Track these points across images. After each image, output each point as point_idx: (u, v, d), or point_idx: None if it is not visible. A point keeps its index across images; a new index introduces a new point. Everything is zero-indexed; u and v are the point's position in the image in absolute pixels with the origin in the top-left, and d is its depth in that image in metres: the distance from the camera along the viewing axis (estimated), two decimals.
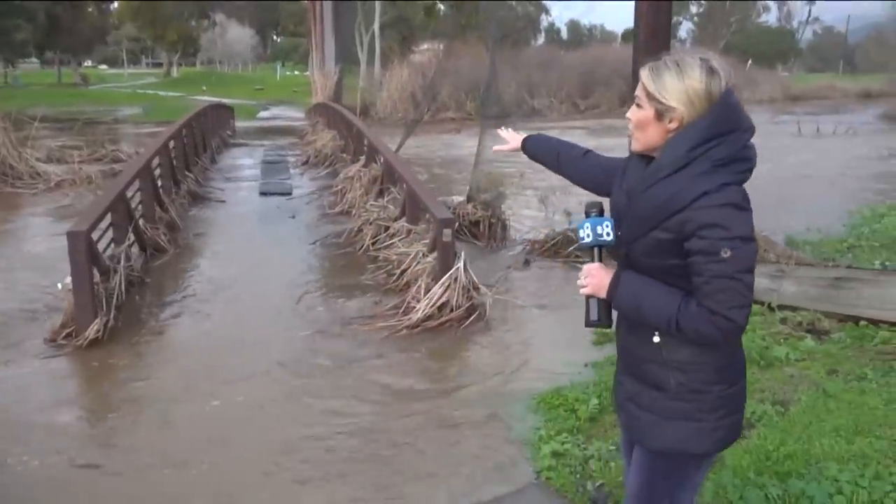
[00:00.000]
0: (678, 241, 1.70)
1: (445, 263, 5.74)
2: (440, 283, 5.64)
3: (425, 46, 38.97)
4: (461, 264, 5.70)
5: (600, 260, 1.89)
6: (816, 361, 4.67)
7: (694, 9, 64.06)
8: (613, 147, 8.99)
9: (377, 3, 38.52)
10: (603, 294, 1.85)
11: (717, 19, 59.43)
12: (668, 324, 1.74)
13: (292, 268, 7.20)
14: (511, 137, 2.36)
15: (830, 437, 3.56)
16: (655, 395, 1.87)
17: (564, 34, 69.67)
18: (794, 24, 68.00)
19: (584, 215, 1.91)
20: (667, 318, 1.74)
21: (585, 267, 1.89)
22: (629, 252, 1.83)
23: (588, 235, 1.88)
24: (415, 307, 5.62)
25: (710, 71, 1.72)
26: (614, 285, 1.83)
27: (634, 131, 1.82)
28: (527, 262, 7.42)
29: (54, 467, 3.67)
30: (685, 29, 63.66)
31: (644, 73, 1.79)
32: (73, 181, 11.79)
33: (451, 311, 5.56)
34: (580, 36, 68.90)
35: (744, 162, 1.73)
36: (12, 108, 13.86)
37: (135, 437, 3.98)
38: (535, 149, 2.30)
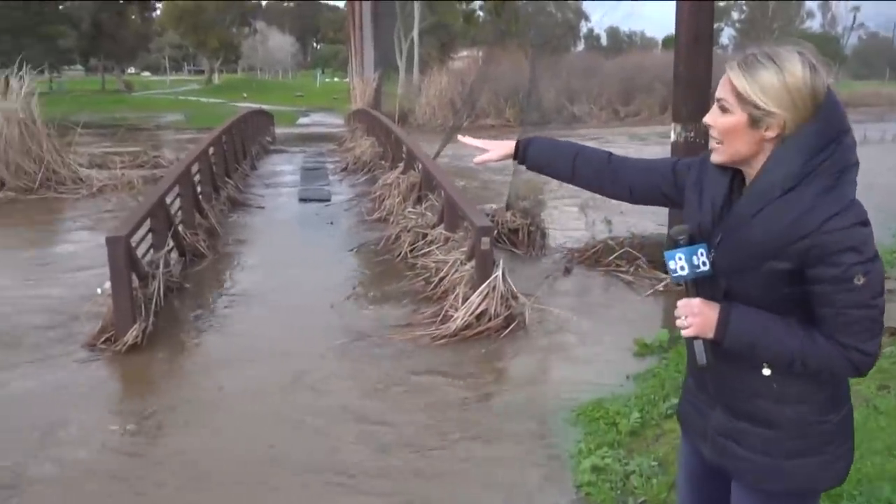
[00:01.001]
0: (798, 270, 1.48)
1: (484, 272, 5.70)
2: (478, 291, 5.61)
3: (464, 53, 39.07)
4: (500, 273, 5.66)
5: (697, 294, 1.61)
6: (867, 377, 4.51)
7: (736, 15, 63.22)
8: (657, 156, 8.85)
9: (416, 10, 38.76)
10: (710, 334, 1.58)
11: (759, 25, 58.49)
12: (790, 363, 1.54)
13: (330, 274, 7.23)
14: (491, 146, 1.94)
15: (882, 455, 3.42)
16: (769, 434, 1.64)
17: (604, 41, 69.32)
18: (839, 29, 66.66)
19: (669, 242, 1.64)
20: (789, 357, 1.53)
21: (684, 303, 1.61)
22: (731, 283, 1.58)
23: (683, 268, 1.60)
24: (453, 316, 5.59)
25: (812, 66, 1.48)
26: (724, 324, 1.56)
27: (719, 140, 1.56)
28: (567, 271, 7.35)
29: (82, 471, 3.72)
30: (727, 35, 62.82)
31: (733, 72, 1.51)
32: (115, 186, 12.04)
33: (490, 320, 5.52)
34: (620, 42, 68.44)
35: (856, 167, 1.51)
36: (57, 114, 14.22)
37: (169, 445, 4.01)
38: (539, 156, 1.89)
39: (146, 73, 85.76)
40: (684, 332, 1.61)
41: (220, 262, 7.75)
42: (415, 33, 39.25)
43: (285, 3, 77.80)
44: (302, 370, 4.95)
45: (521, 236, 8.11)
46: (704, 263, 1.59)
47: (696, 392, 1.80)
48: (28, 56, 13.18)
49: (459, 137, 2.10)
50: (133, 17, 62.94)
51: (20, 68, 12.27)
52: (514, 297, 5.72)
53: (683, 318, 1.60)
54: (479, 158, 1.97)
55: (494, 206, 8.97)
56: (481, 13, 46.87)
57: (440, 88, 28.31)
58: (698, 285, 1.61)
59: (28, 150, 11.98)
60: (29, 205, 11.12)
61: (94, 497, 3.53)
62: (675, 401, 3.73)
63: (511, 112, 26.93)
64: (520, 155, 1.90)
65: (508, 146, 1.92)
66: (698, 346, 1.61)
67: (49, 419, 4.25)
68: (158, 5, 65.34)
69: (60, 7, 58.39)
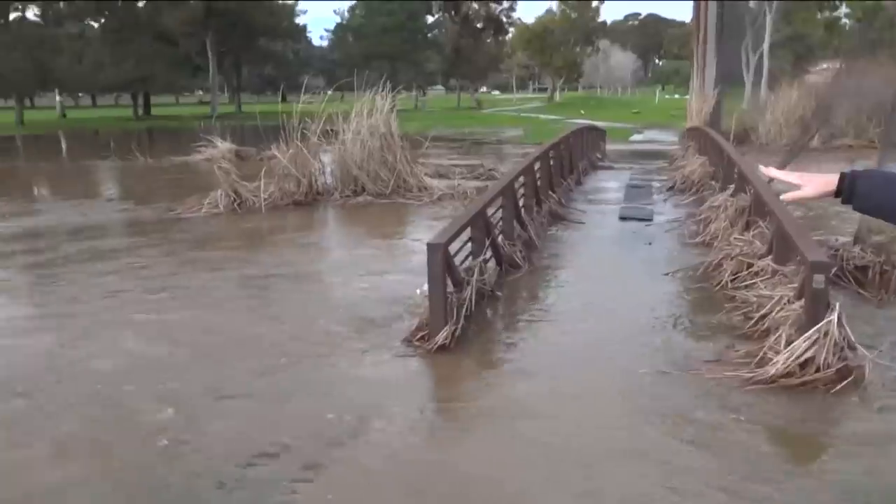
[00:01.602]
0: None
1: (814, 314, 4.93)
2: (806, 335, 4.87)
3: (824, 66, 35.14)
4: (834, 317, 4.85)
5: None
6: None
7: None
8: None
9: (768, 22, 35.88)
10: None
11: None
12: None
13: (642, 297, 6.89)
14: (806, 180, 1.55)
15: None
16: None
17: None
18: None
19: None
20: None
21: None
22: None
23: None
24: (772, 359, 4.93)
25: None
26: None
27: None
28: None
29: (385, 458, 3.94)
30: None
31: None
32: (452, 196, 12.96)
33: (817, 370, 4.75)
34: None
35: None
36: (412, 129, 15.76)
37: (468, 445, 4.10)
38: (870, 195, 1.49)
39: (496, 92, 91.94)
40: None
41: (534, 274, 7.86)
42: (765, 46, 36.36)
43: (630, 22, 77.52)
44: (599, 391, 4.75)
45: (870, 276, 6.93)
46: None
47: None
48: (401, 78, 14.82)
49: (763, 169, 1.76)
50: (488, 41, 67.77)
51: (392, 89, 13.81)
52: (852, 348, 4.86)
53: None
54: (789, 196, 1.60)
55: (841, 238, 7.82)
56: (847, 21, 41.87)
57: (789, 105, 25.76)
58: None
59: (385, 161, 13.42)
60: (381, 208, 12.45)
61: (395, 486, 3.72)
62: None
63: (875, 132, 23.49)
64: (844, 192, 1.51)
65: (828, 182, 1.53)
66: None
67: (364, 403, 4.63)
68: (511, 30, 69.54)
69: (429, 35, 65.34)
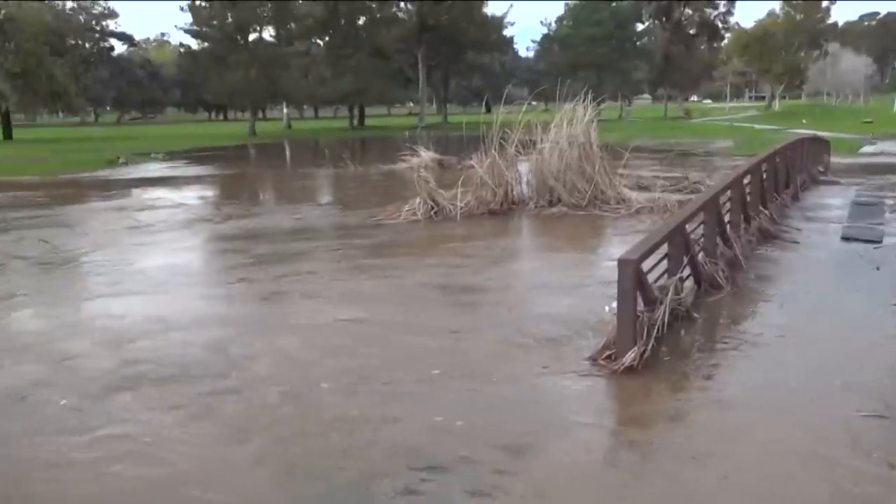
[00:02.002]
0: None
1: None
2: None
3: None
4: None
5: None
6: None
7: None
8: None
9: None
10: None
11: None
12: None
13: (864, 330, 6.11)
14: None
15: None
16: None
17: None
18: None
19: None
20: None
21: None
22: None
23: None
24: None
25: None
26: None
27: None
28: None
29: (567, 479, 3.77)
30: None
31: None
32: (651, 209, 12.40)
33: None
34: None
35: None
36: (613, 139, 15.32)
37: (643, 477, 3.83)
38: None
39: (707, 101, 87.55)
40: None
41: (737, 297, 7.25)
42: None
43: (866, 23, 70.40)
44: (801, 435, 4.23)
45: None
46: None
47: None
48: (606, 88, 14.58)
49: None
50: (701, 47, 64.81)
51: (595, 98, 13.56)
52: None
53: None
54: None
55: None
56: None
57: None
58: None
59: (583, 172, 13.15)
60: (576, 219, 12.21)
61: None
62: None
63: None
64: None
65: None
66: None
67: (543, 420, 4.49)
68: (727, 35, 65.92)
69: (637, 43, 63.72)
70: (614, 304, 5.52)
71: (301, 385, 5.13)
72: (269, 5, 49.42)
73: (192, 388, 5.12)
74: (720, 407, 4.73)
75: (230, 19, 47.94)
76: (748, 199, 9.64)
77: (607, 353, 5.42)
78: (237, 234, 11.59)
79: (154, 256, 9.84)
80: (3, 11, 45.06)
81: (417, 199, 12.61)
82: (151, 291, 7.90)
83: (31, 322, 7.04)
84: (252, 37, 50.31)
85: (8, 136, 45.92)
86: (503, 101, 14.59)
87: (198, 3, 48.93)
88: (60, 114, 67.44)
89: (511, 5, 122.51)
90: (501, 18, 62.29)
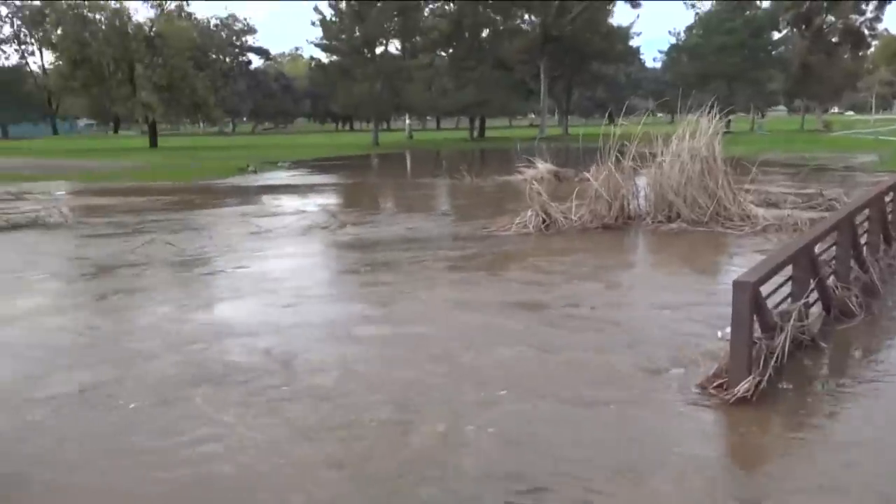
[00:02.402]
0: None
1: None
2: None
3: None
4: None
5: None
6: None
7: None
8: None
9: None
10: None
11: None
12: None
13: None
14: None
15: None
16: None
17: None
18: None
19: None
20: None
21: None
22: None
23: None
24: None
25: None
26: None
27: None
28: None
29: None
30: None
31: None
32: (779, 227, 11.63)
33: None
34: None
35: None
36: (739, 152, 14.50)
37: None
38: None
39: (849, 112, 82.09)
40: None
41: (873, 326, 6.60)
42: None
43: None
44: None
45: None
46: None
47: None
48: (737, 99, 13.92)
49: None
50: (844, 56, 60.96)
51: (722, 110, 12.94)
52: None
53: None
54: None
55: None
56: None
57: None
58: None
59: (705, 186, 12.52)
60: (695, 236, 11.63)
61: None
62: None
63: None
64: None
65: None
66: None
67: (644, 449, 4.22)
68: (874, 43, 61.65)
69: (773, 52, 60.60)
70: (727, 330, 5.14)
71: (398, 395, 5.08)
72: (396, 20, 50.68)
73: (295, 385, 5.19)
74: (841, 448, 4.27)
75: (358, 33, 49.50)
76: (890, 218, 8.82)
77: (718, 381, 5.04)
78: (351, 243, 11.81)
79: (269, 261, 10.17)
80: (154, 28, 48.69)
81: (529, 212, 12.41)
82: (260, 294, 8.14)
83: (151, 317, 7.37)
84: (378, 50, 51.74)
85: (153, 144, 49.41)
86: (623, 112, 14.16)
87: (329, 18, 50.87)
88: (201, 124, 71.89)
89: (638, 15, 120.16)
90: (627, 29, 61.02)
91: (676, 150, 12.50)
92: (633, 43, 63.77)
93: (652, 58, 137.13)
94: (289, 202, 18.30)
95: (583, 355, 5.95)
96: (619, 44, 59.46)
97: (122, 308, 7.95)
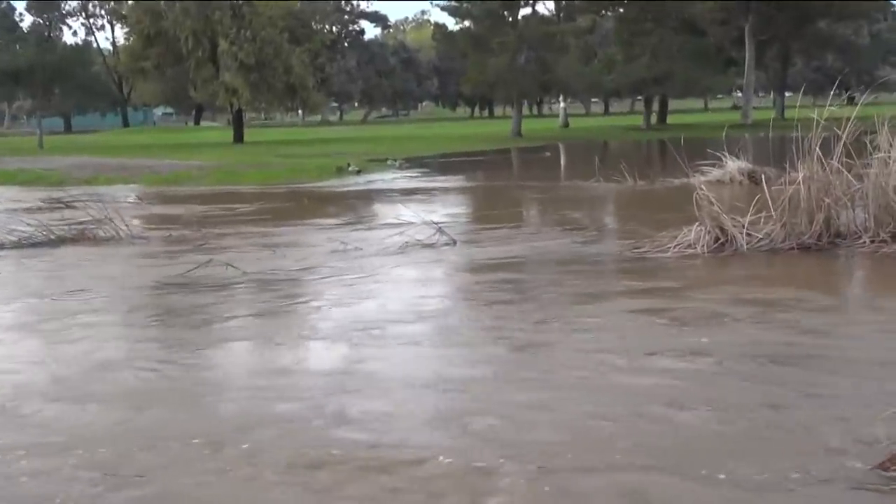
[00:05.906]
0: None
1: None
2: None
3: None
4: None
5: None
6: None
7: None
8: None
9: None
10: None
11: None
12: None
13: None
14: None
15: None
16: None
17: None
18: None
19: None
20: None
21: None
22: None
23: None
24: None
25: None
26: None
27: None
28: None
29: None
30: None
31: None
32: None
33: None
34: None
35: None
36: None
37: None
38: None
39: None
40: None
41: None
42: None
43: None
44: None
45: None
46: None
47: None
48: None
49: None
50: None
51: None
52: None
53: None
54: None
55: None
56: None
57: None
58: None
59: None
60: None
61: None
62: None
63: None
64: None
65: None
66: None
67: None
68: None
69: None
70: None
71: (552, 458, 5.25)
72: None
73: None
74: None
75: None
76: None
77: None
78: (460, 265, 12.17)
79: (350, 295, 10.45)
80: None
81: (696, 226, 12.23)
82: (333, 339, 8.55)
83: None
84: (523, 12, 52.34)
85: (238, 138, 52.33)
86: (869, 88, 13.68)
87: None
88: (299, 112, 75.35)
89: None
90: None
91: None
92: None
93: None
94: (388, 211, 18.97)
95: (745, 419, 5.88)
96: None
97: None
